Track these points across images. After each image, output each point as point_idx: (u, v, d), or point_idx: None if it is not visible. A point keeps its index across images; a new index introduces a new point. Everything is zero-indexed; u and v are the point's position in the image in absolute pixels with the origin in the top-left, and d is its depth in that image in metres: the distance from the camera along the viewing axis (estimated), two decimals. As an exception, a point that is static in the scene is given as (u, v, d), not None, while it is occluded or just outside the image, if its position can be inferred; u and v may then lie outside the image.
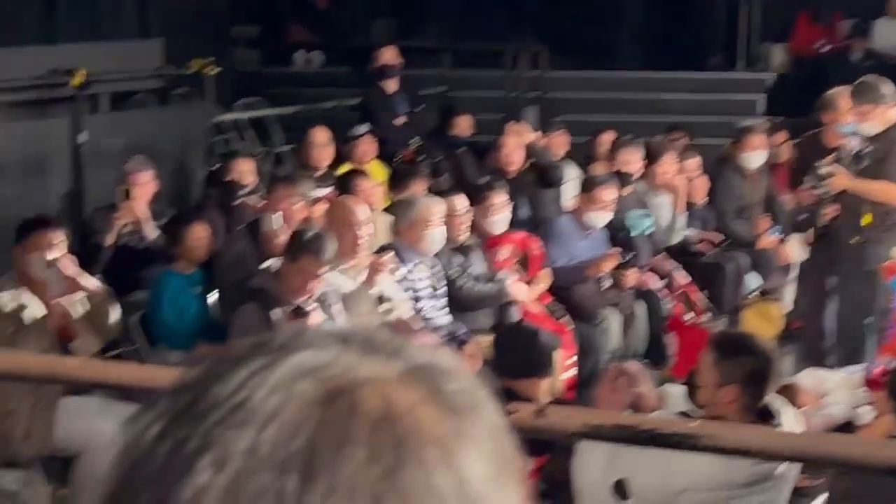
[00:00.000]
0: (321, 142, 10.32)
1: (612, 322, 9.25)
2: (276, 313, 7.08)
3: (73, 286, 6.83)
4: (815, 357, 8.94)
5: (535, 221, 9.95)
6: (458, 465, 0.87)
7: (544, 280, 9.06)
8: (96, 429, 6.78)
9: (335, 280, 7.48)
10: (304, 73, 15.35)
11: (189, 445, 0.86)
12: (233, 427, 0.85)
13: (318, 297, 7.23)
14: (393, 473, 0.85)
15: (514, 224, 9.31)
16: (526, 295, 8.79)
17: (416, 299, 8.19)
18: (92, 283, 6.96)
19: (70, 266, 6.85)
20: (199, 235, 8.17)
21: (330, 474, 0.84)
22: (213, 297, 8.10)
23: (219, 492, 0.84)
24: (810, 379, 7.67)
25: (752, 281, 10.64)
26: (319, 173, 9.77)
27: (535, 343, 7.00)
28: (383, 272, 7.81)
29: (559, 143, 11.59)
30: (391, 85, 11.84)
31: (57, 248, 6.94)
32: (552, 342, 7.21)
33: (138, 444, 0.89)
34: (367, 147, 10.62)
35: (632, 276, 9.41)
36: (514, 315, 8.62)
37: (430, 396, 0.90)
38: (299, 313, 7.01)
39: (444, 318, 8.32)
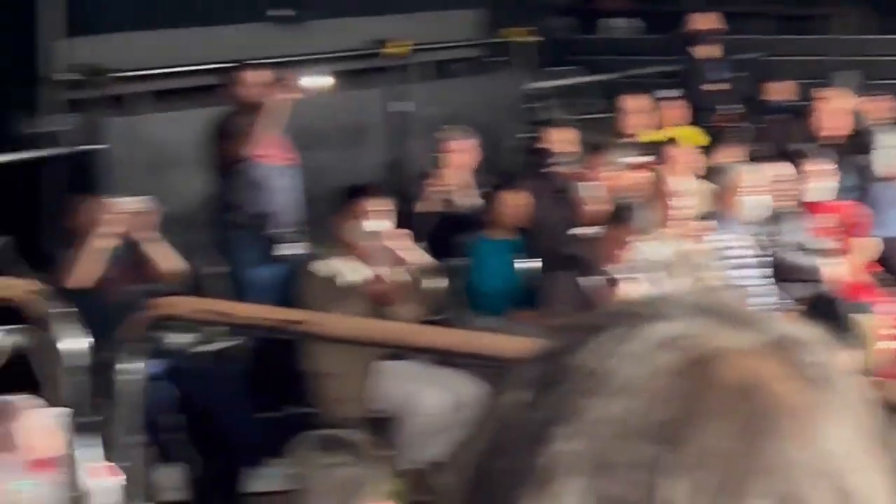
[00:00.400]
0: (636, 109, 10.26)
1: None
2: (590, 281, 7.09)
3: (398, 258, 6.98)
4: None
5: (860, 189, 9.66)
6: (819, 439, 0.85)
7: (868, 249, 8.79)
8: (415, 393, 6.94)
9: (649, 248, 7.44)
10: (617, 40, 15.26)
11: (550, 413, 0.86)
12: (593, 396, 0.85)
13: (632, 266, 7.21)
14: (755, 446, 0.84)
15: (839, 192, 9.06)
16: (844, 267, 8.55)
17: (733, 267, 8.07)
18: (417, 255, 7.10)
19: (398, 239, 7.01)
20: (514, 203, 8.25)
21: (692, 446, 0.83)
22: (528, 263, 8.16)
23: (580, 460, 0.84)
24: None
25: None
26: (634, 141, 9.72)
27: (833, 312, 6.82)
28: (698, 239, 7.73)
29: (881, 108, 11.22)
30: (705, 51, 11.68)
31: (379, 216, 7.11)
32: (857, 311, 7.00)
33: (502, 411, 0.90)
34: (678, 113, 10.51)
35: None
36: (828, 285, 8.40)
37: (789, 368, 0.88)
38: (615, 282, 6.99)
39: (764, 287, 8.16)
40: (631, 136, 10.00)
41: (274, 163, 8.15)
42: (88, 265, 7.01)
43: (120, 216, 7.05)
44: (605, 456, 0.84)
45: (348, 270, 6.93)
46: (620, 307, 0.94)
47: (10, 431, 4.49)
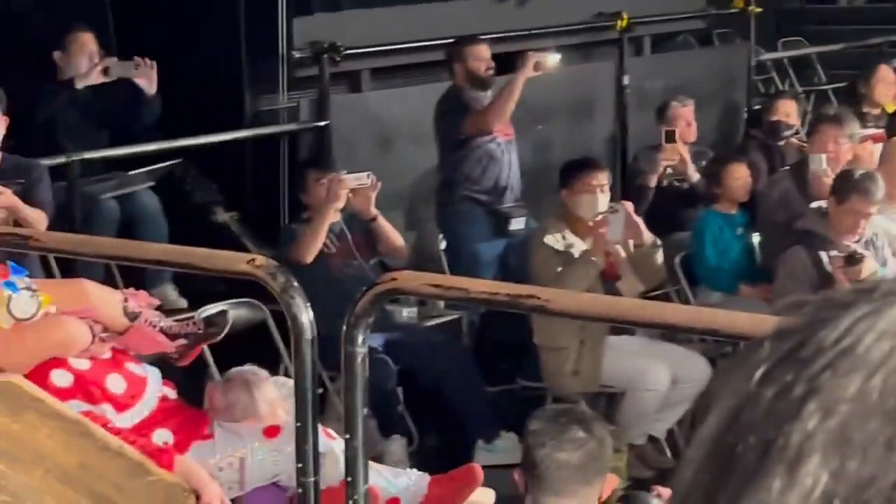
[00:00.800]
0: (884, 79, 9.98)
1: None
2: (824, 256, 6.93)
3: (626, 231, 6.96)
4: None
5: None
6: None
7: None
8: (641, 367, 6.90)
9: (883, 223, 7.24)
10: (846, 10, 14.90)
11: (795, 390, 0.84)
12: (840, 373, 0.83)
13: (867, 240, 7.02)
14: None
15: None
16: None
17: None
18: (642, 229, 7.04)
19: (623, 213, 6.98)
20: (740, 175, 8.11)
21: None
22: (755, 237, 8.03)
23: (826, 437, 0.81)
24: None
25: None
26: (875, 111, 9.50)
27: None
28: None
29: None
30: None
31: (604, 191, 7.09)
32: None
33: (743, 387, 0.87)
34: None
35: None
36: None
37: None
38: (852, 259, 6.80)
39: None
40: (875, 105, 9.76)
41: (501, 138, 8.17)
42: (317, 239, 7.13)
43: (346, 192, 7.16)
44: (857, 434, 0.81)
45: (575, 245, 6.91)
46: (869, 283, 0.90)
47: (252, 401, 4.63)
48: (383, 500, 4.51)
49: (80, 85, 7.73)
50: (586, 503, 3.28)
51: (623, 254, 6.99)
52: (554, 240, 6.89)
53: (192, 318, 4.71)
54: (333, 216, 7.16)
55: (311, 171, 7.40)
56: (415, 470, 4.79)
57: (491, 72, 8.27)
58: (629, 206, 7.13)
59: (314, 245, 7.10)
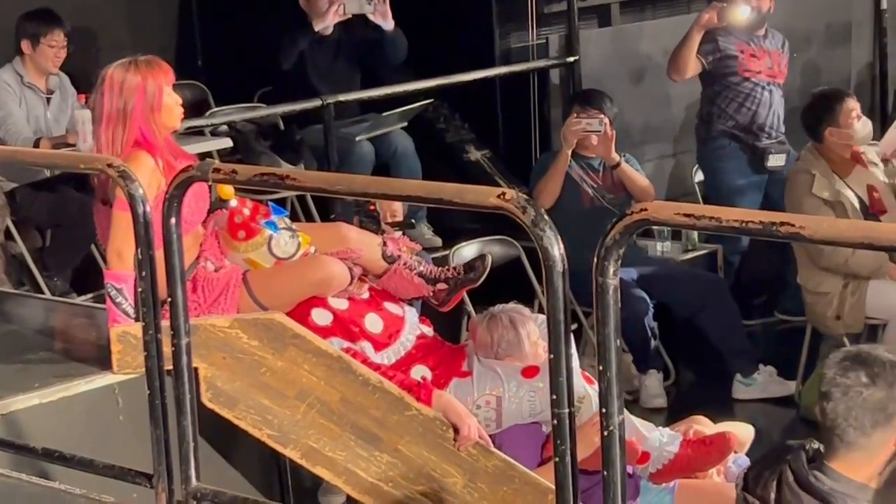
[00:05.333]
0: None
1: None
2: None
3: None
4: None
5: None
6: None
7: None
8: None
9: None
10: None
11: None
12: None
13: None
14: None
15: None
16: None
17: None
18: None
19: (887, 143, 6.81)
20: None
21: None
22: None
23: None
24: None
25: None
26: None
27: None
28: None
29: None
30: None
31: (863, 119, 6.90)
32: None
33: None
34: None
35: None
36: None
37: None
38: None
39: None
40: None
41: (761, 78, 7.97)
42: (554, 184, 7.16)
43: (575, 137, 7.14)
44: None
45: (843, 193, 6.75)
46: None
47: (517, 339, 4.65)
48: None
49: (318, 27, 7.85)
50: (883, 451, 3.21)
51: (887, 189, 6.83)
52: (821, 187, 6.72)
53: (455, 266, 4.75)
54: (565, 160, 7.17)
55: (574, 105, 7.38)
56: (668, 429, 4.71)
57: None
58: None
59: (551, 189, 7.12)
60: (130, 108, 4.36)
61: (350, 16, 7.85)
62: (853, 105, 6.93)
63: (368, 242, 4.62)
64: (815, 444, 3.31)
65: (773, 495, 3.27)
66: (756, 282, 7.94)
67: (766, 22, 8.01)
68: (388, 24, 7.86)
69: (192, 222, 4.35)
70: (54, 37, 7.24)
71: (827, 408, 3.22)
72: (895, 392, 3.22)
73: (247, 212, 4.40)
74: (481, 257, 4.75)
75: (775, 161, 7.83)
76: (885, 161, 6.96)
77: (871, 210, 6.75)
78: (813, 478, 3.22)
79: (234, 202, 4.42)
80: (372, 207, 5.42)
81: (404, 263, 4.61)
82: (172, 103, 4.44)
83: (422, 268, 4.64)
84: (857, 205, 6.74)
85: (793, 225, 2.40)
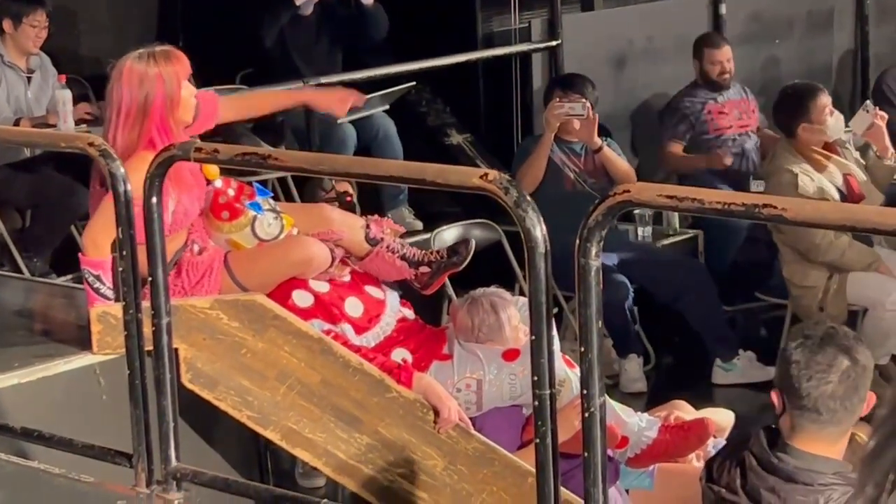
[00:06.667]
0: None
1: None
2: None
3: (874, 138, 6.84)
4: None
5: None
6: None
7: None
8: (884, 286, 6.74)
9: None
10: None
11: None
12: None
13: None
14: None
15: None
16: None
17: None
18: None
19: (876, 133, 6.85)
20: None
21: None
22: None
23: None
24: None
25: None
26: None
27: None
28: None
29: None
30: None
31: (835, 115, 6.92)
32: None
33: None
34: None
35: None
36: None
37: None
38: None
39: None
40: None
41: (732, 132, 8.08)
42: (536, 167, 7.16)
43: (557, 120, 7.14)
44: None
45: (824, 186, 6.77)
46: None
47: (498, 323, 4.64)
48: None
49: (299, 1, 7.82)
50: (849, 425, 3.23)
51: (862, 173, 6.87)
52: (805, 185, 6.75)
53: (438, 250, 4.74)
54: (548, 144, 7.17)
55: (555, 90, 7.38)
56: (646, 415, 4.72)
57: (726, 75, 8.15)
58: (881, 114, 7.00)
59: (533, 173, 7.13)
60: (151, 100, 4.28)
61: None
62: (826, 101, 6.94)
63: (351, 224, 4.60)
64: (773, 426, 3.33)
65: (738, 481, 3.28)
66: (737, 266, 7.94)
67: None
68: (368, -1, 7.86)
69: (190, 214, 4.34)
70: (36, 17, 7.22)
71: (801, 389, 3.22)
72: (868, 371, 3.24)
73: (231, 192, 4.38)
74: (465, 242, 4.74)
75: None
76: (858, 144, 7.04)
77: (850, 199, 6.77)
78: (776, 459, 3.24)
79: (218, 182, 4.40)
80: (349, 199, 5.40)
81: (387, 246, 4.60)
82: (188, 96, 4.37)
83: (405, 251, 4.63)
84: (837, 197, 6.76)
85: (775, 207, 2.41)
